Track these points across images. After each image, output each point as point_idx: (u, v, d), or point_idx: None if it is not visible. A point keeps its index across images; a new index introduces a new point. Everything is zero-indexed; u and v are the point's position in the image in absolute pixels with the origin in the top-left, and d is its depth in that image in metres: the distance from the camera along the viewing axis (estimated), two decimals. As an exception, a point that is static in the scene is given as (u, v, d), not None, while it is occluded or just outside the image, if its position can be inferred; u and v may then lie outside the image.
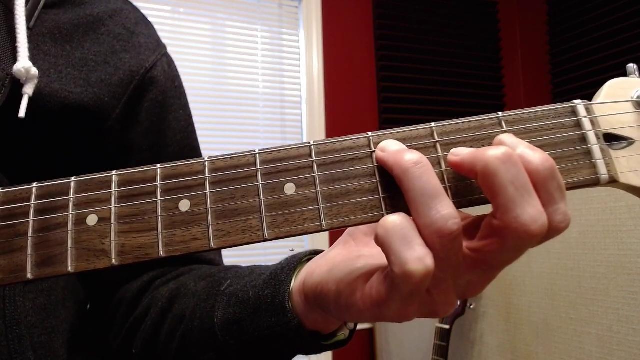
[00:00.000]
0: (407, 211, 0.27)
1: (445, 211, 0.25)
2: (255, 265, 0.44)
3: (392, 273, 0.25)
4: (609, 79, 0.31)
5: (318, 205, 0.27)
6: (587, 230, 1.00)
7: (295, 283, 0.37)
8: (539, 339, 1.12)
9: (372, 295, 0.28)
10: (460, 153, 0.27)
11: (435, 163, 0.28)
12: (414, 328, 1.59)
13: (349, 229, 0.34)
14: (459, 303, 1.28)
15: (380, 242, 0.26)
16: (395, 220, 0.26)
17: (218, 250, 0.30)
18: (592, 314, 0.99)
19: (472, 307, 1.31)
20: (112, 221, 0.27)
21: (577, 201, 1.02)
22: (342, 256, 0.33)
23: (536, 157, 0.26)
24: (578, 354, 1.02)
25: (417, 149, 0.28)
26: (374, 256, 0.31)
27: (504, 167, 0.25)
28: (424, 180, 0.26)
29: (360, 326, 2.04)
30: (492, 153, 0.25)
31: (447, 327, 1.28)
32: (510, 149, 0.26)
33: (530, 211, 0.25)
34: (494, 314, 1.26)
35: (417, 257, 0.25)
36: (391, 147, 0.28)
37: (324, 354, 1.90)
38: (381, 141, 0.28)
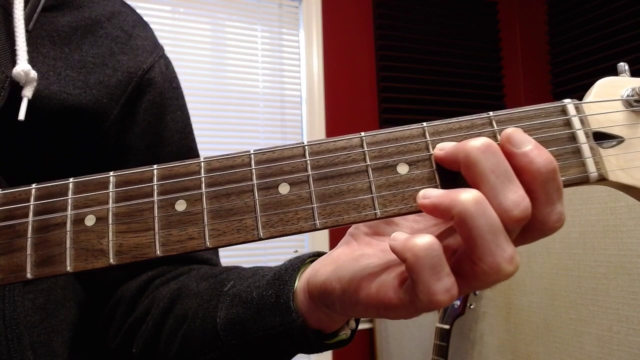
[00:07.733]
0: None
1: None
2: (257, 267, 0.45)
3: (416, 297, 0.26)
4: (609, 79, 0.31)
5: (312, 204, 0.28)
6: (587, 230, 1.00)
7: (299, 283, 0.37)
8: (539, 339, 1.12)
9: (380, 299, 0.28)
10: (444, 147, 0.28)
11: (427, 162, 0.28)
12: (414, 328, 1.59)
13: (350, 229, 0.35)
14: (459, 303, 1.28)
15: (408, 267, 0.26)
16: (425, 247, 0.25)
17: (214, 249, 0.31)
18: (592, 314, 0.99)
19: (472, 307, 1.30)
20: (110, 221, 0.28)
21: (577, 201, 1.02)
22: (345, 255, 0.33)
23: (540, 158, 0.26)
24: (578, 354, 1.02)
25: (409, 149, 0.29)
26: (377, 254, 0.32)
27: (484, 156, 0.26)
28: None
29: (360, 326, 2.04)
30: (472, 144, 0.26)
31: (447, 327, 1.28)
32: (489, 140, 0.26)
33: (512, 196, 0.26)
34: (494, 314, 1.26)
35: (445, 288, 0.25)
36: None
37: (324, 354, 1.91)
38: (375, 141, 0.29)
